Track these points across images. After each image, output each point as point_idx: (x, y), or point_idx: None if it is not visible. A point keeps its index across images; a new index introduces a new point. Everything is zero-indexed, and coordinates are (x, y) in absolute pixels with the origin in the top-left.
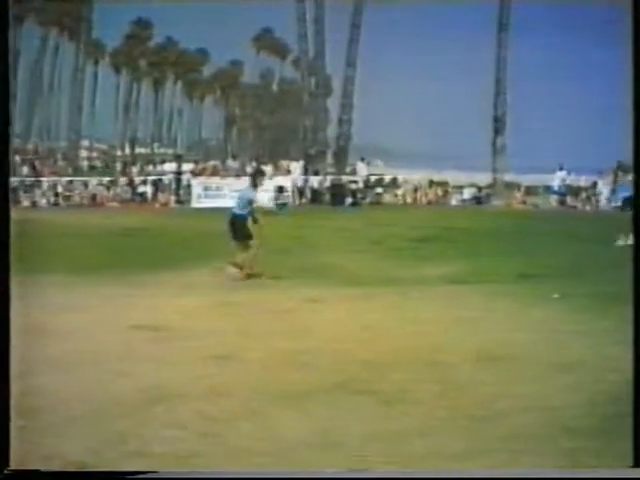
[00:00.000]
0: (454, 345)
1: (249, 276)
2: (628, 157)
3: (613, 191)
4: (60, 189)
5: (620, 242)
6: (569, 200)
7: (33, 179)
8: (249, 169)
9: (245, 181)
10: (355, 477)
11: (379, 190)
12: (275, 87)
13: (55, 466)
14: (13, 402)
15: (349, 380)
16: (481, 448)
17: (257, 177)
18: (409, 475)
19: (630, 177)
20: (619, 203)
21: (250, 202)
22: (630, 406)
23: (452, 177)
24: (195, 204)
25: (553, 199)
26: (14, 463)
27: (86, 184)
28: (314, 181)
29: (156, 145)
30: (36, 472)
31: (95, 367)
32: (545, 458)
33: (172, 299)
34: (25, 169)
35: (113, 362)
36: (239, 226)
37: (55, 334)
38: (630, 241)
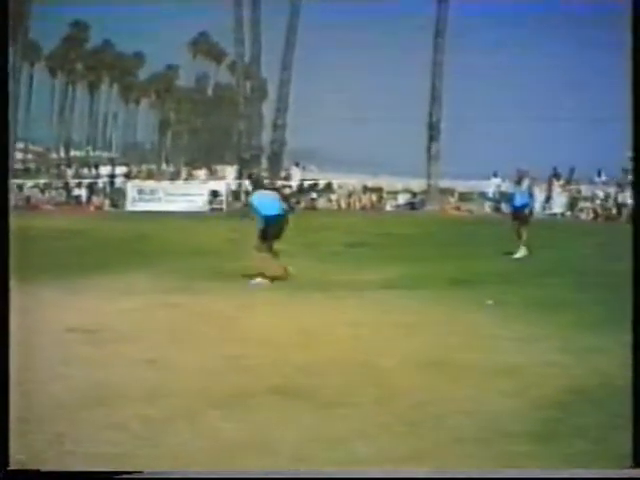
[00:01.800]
0: (390, 349)
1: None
2: (561, 163)
3: (547, 199)
4: None
5: (518, 255)
6: (503, 207)
7: None
8: (202, 173)
9: (180, 184)
10: (355, 477)
11: (313, 195)
12: (210, 91)
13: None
14: None
15: (285, 384)
16: (419, 451)
17: (258, 181)
18: (409, 475)
19: (525, 185)
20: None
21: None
22: (629, 406)
23: (387, 182)
24: (130, 207)
25: (487, 205)
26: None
27: (21, 187)
28: (248, 185)
29: (91, 148)
30: (36, 472)
31: (32, 370)
32: (482, 461)
33: (107, 302)
34: None
35: (50, 365)
36: (280, 226)
37: None
38: (519, 254)
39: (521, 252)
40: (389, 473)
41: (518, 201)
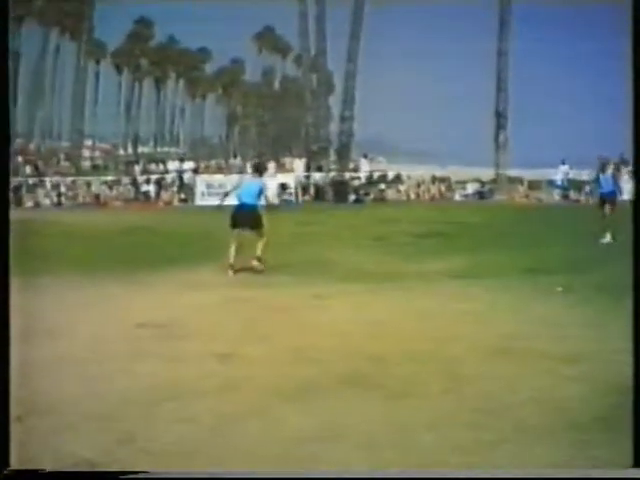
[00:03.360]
0: (459, 338)
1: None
2: (627, 151)
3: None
4: (63, 189)
5: (605, 240)
6: (572, 194)
7: (36, 179)
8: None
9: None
10: (355, 477)
11: (382, 186)
12: (277, 84)
13: (65, 465)
14: (18, 401)
15: (356, 375)
16: (490, 441)
17: (260, 168)
18: (409, 475)
19: (609, 172)
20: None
21: (261, 191)
22: (630, 405)
23: (455, 172)
24: (198, 202)
25: (556, 193)
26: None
27: (89, 184)
28: (317, 178)
29: (159, 144)
30: (36, 472)
31: (102, 366)
32: (553, 449)
33: (177, 297)
34: (28, 169)
35: (120, 360)
36: (252, 216)
37: (60, 333)
38: (608, 239)
39: (607, 238)
40: (393, 473)
41: (604, 187)
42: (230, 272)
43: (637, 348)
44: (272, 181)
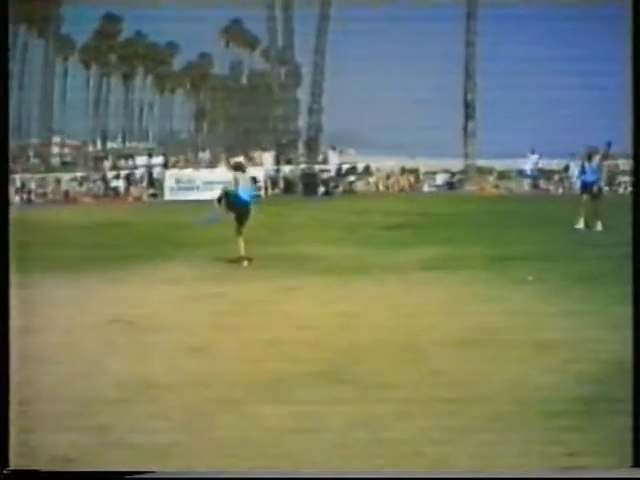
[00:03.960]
0: (431, 329)
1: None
2: (597, 141)
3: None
4: (33, 186)
5: (578, 226)
6: (542, 183)
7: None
8: (229, 161)
9: (218, 172)
10: (355, 477)
11: (351, 178)
12: (245, 78)
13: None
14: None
15: (329, 367)
16: (460, 429)
17: (242, 167)
18: (409, 475)
19: (595, 161)
20: (578, 186)
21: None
22: (630, 404)
23: (424, 163)
24: (168, 197)
25: (526, 183)
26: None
27: (59, 180)
28: (286, 171)
29: (127, 139)
30: (36, 472)
31: (74, 361)
32: (527, 438)
33: (148, 292)
34: None
35: (93, 355)
36: (247, 213)
37: (31, 330)
38: (581, 225)
39: (598, 226)
40: (390, 473)
41: (588, 177)
42: (245, 262)
43: (636, 348)
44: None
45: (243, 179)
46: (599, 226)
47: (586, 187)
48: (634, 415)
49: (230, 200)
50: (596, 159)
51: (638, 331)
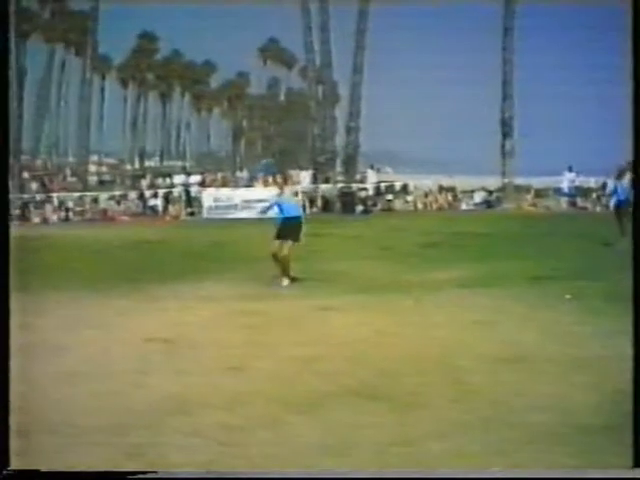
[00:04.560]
0: (467, 348)
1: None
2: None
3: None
4: (71, 204)
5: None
6: (579, 201)
7: (43, 195)
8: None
9: (256, 191)
10: (355, 477)
11: (389, 197)
12: (282, 97)
13: None
14: (24, 416)
15: (365, 386)
16: (501, 450)
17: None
18: (409, 475)
19: (627, 179)
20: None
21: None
22: (631, 406)
23: (462, 182)
24: (206, 215)
25: (563, 201)
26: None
27: (96, 199)
28: (324, 189)
29: (165, 158)
30: (36, 472)
31: (110, 380)
32: (564, 456)
33: (186, 311)
34: (34, 185)
35: (128, 375)
36: (298, 228)
37: (68, 348)
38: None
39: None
40: (390, 473)
41: (621, 195)
42: (285, 281)
43: (637, 352)
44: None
45: (290, 196)
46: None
47: (619, 206)
48: (634, 415)
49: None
50: (627, 177)
51: (638, 331)
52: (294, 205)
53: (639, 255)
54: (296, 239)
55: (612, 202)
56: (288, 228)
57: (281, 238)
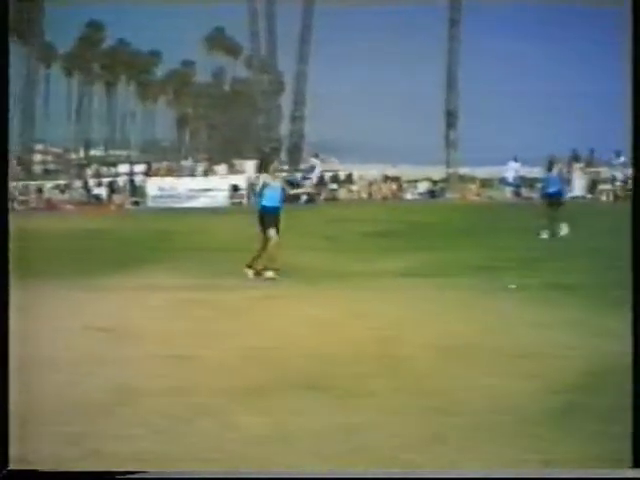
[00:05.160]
0: (411, 338)
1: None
2: (580, 147)
3: (568, 182)
4: (15, 194)
5: (544, 235)
6: (524, 191)
7: None
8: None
9: (200, 180)
10: (355, 477)
11: (334, 186)
12: (227, 86)
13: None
14: None
15: (307, 375)
16: (441, 438)
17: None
18: (409, 475)
19: (556, 171)
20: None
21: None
22: (630, 406)
23: (406, 171)
24: (151, 204)
25: (508, 191)
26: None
27: (40, 188)
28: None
29: (110, 147)
30: (36, 472)
31: (56, 369)
32: (501, 445)
33: (129, 300)
34: None
35: (74, 364)
36: (277, 219)
37: (13, 338)
38: (545, 235)
39: (564, 230)
40: (389, 474)
41: (550, 187)
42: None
43: (636, 349)
44: (223, 183)
45: (274, 184)
46: (563, 230)
47: (549, 197)
48: (634, 415)
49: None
50: (556, 168)
51: (637, 332)
52: (279, 193)
53: (639, 254)
54: (278, 230)
55: (542, 194)
56: (274, 216)
57: (271, 227)
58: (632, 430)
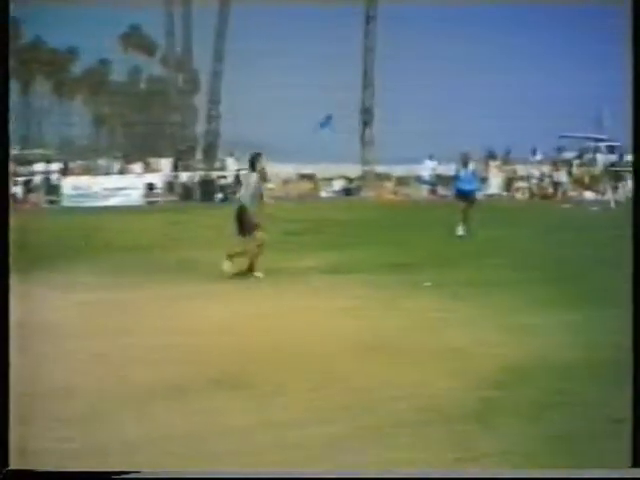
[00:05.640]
0: (328, 335)
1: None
2: (495, 145)
3: (484, 179)
4: None
5: (459, 233)
6: (440, 189)
7: None
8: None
9: (116, 179)
10: (355, 477)
11: None
12: (143, 85)
13: None
14: None
15: (226, 373)
16: (362, 436)
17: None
18: (409, 475)
19: (471, 168)
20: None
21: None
22: (629, 408)
23: (322, 169)
24: (66, 203)
25: (424, 189)
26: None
27: None
28: (184, 177)
29: (25, 145)
30: (36, 472)
31: None
32: (427, 443)
33: (46, 299)
34: None
35: None
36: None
37: None
38: (461, 232)
39: (460, 231)
40: (387, 473)
41: (464, 184)
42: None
43: (637, 351)
44: (139, 181)
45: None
46: (461, 231)
47: (463, 194)
48: (634, 415)
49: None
50: (471, 165)
51: (637, 330)
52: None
53: (639, 253)
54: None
55: (455, 191)
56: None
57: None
58: (632, 430)
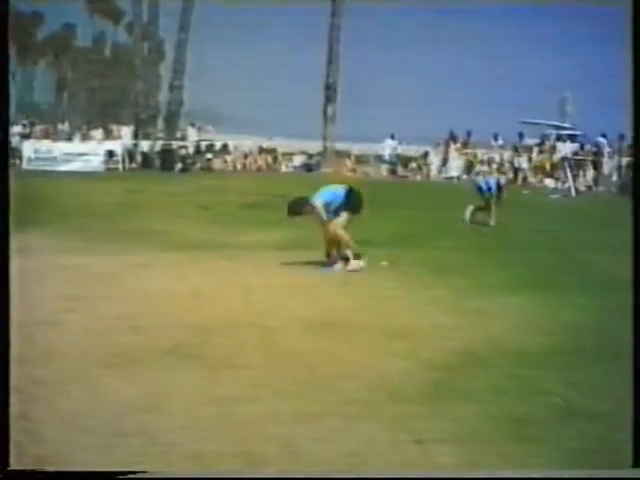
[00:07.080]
0: (282, 311)
1: None
2: (459, 128)
3: (444, 161)
4: None
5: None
6: (400, 169)
7: None
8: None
9: (76, 144)
10: (355, 477)
11: (209, 156)
12: (108, 51)
13: None
14: None
15: (178, 345)
16: (311, 413)
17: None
18: (409, 475)
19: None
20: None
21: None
22: (630, 405)
23: (282, 144)
24: (25, 166)
25: (384, 168)
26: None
27: None
28: (144, 146)
29: None
30: (36, 472)
31: None
32: (376, 423)
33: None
34: None
35: None
36: None
37: None
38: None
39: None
40: (387, 473)
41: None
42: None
43: (636, 346)
44: (99, 148)
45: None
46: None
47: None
48: (634, 415)
49: None
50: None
51: (637, 324)
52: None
53: (639, 246)
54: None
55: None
56: None
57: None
58: (632, 430)
